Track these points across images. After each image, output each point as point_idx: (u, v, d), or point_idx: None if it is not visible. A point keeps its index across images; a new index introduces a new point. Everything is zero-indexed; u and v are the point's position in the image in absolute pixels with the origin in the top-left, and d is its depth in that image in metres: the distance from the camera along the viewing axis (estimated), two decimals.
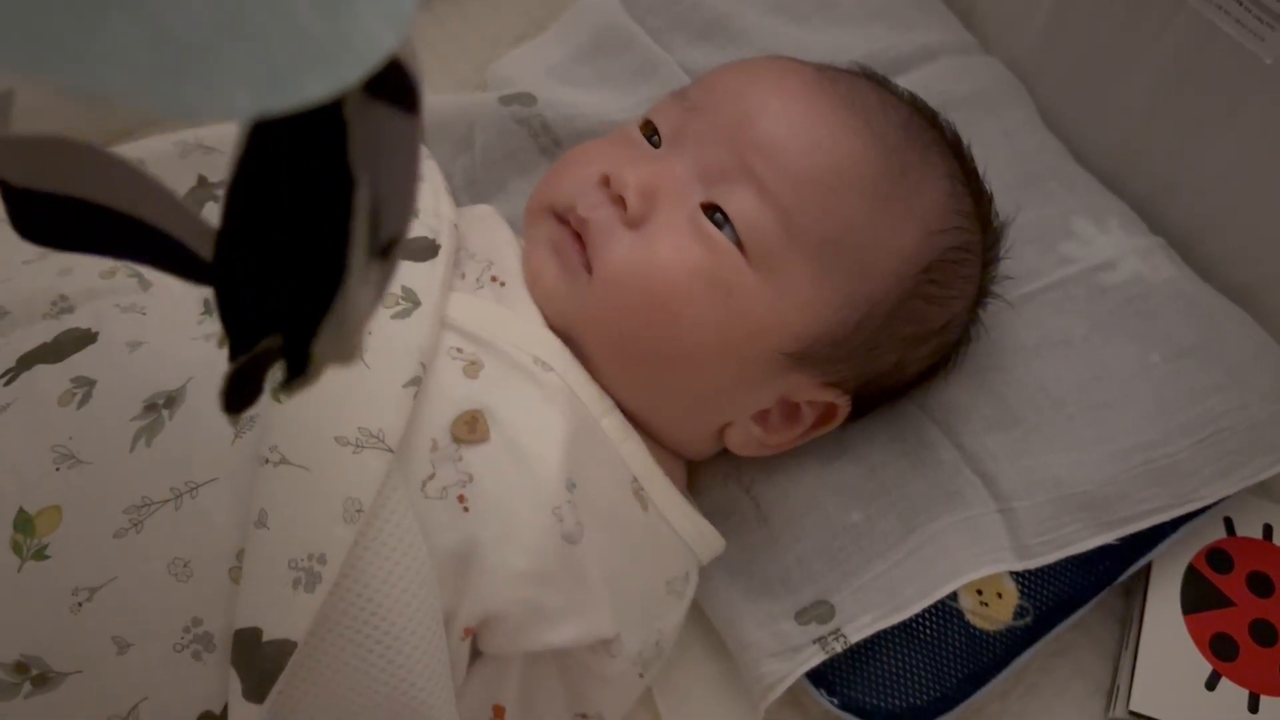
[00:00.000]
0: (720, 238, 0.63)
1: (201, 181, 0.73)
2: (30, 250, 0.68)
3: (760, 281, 0.63)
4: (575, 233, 0.66)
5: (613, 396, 0.66)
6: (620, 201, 0.64)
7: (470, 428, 0.60)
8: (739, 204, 0.63)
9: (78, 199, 0.38)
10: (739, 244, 0.63)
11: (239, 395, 0.38)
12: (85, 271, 0.66)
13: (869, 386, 0.69)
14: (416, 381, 0.59)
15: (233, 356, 0.38)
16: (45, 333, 0.61)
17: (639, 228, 0.64)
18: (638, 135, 0.69)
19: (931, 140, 0.69)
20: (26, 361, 0.59)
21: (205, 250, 0.37)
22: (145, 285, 0.67)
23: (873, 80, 0.71)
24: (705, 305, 0.63)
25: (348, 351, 0.36)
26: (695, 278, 0.63)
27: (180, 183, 0.74)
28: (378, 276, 0.35)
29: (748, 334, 0.64)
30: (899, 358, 0.69)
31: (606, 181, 0.65)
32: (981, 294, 0.72)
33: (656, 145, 0.68)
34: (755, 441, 0.69)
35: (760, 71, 0.69)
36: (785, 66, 0.69)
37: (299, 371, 0.36)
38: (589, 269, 0.65)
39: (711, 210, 0.64)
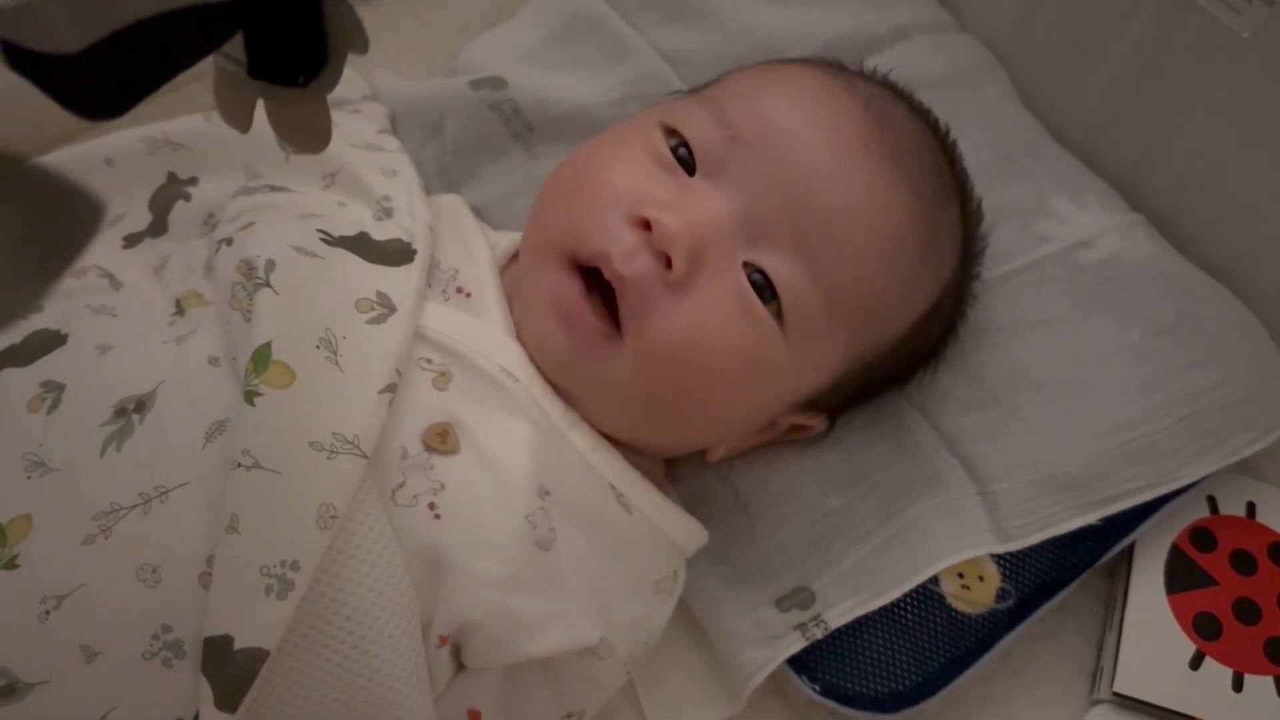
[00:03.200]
0: (763, 313, 0.60)
1: (171, 178, 0.73)
2: None
3: (792, 355, 0.62)
4: (593, 290, 0.61)
5: (597, 428, 0.64)
6: (662, 256, 0.59)
7: (442, 438, 0.59)
8: (787, 275, 0.60)
9: (118, 32, 0.37)
10: (779, 315, 0.61)
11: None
12: None
13: (848, 401, 0.71)
14: (391, 388, 0.58)
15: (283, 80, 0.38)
16: (14, 332, 0.60)
17: (681, 289, 0.59)
18: (665, 152, 0.63)
19: (948, 174, 0.68)
20: None
21: None
22: (116, 285, 0.66)
23: (902, 100, 0.69)
24: (740, 381, 0.62)
25: None
26: (736, 355, 0.60)
27: (149, 180, 0.73)
28: None
29: (769, 399, 0.65)
30: (885, 381, 0.70)
31: (643, 224, 0.59)
32: (961, 305, 0.73)
33: (686, 164, 0.63)
34: (732, 451, 0.71)
35: (812, 107, 0.63)
36: (836, 106, 0.64)
37: None
38: (613, 331, 0.60)
39: (752, 269, 0.61)
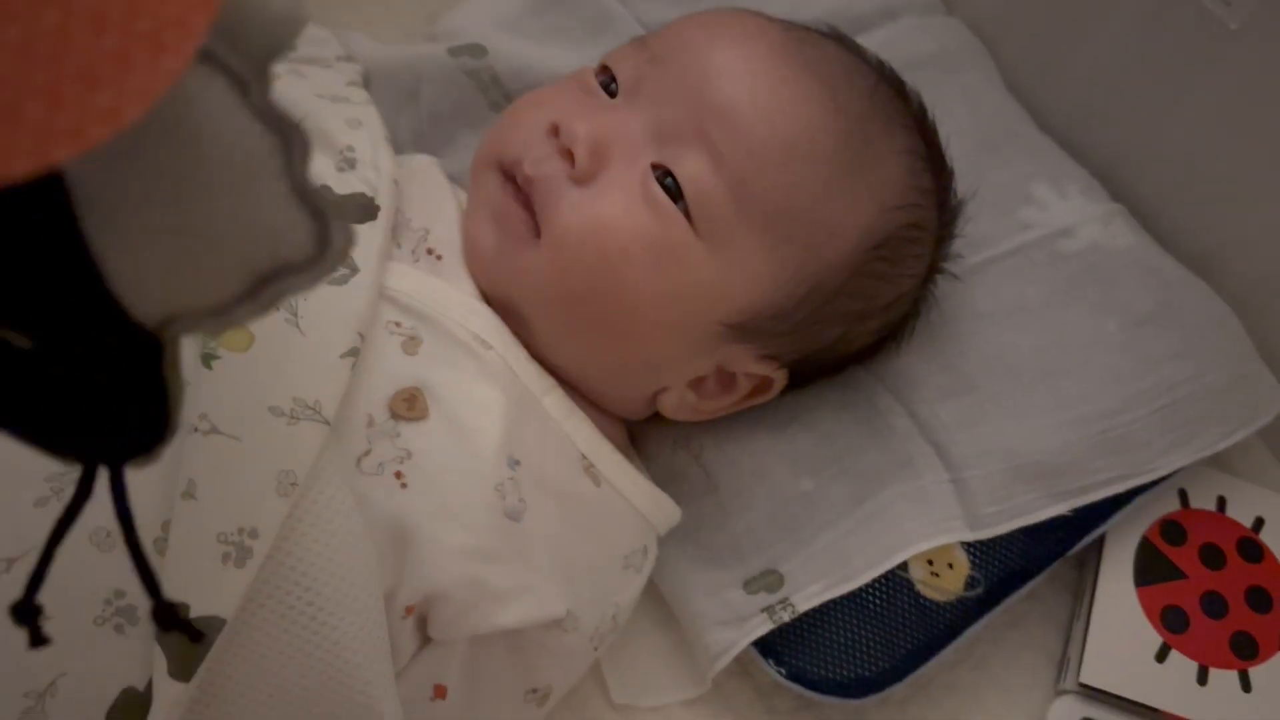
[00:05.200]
0: (668, 205, 0.61)
1: None
2: None
3: (707, 252, 0.61)
4: (520, 192, 0.63)
5: (550, 363, 0.64)
6: (569, 155, 0.61)
7: (409, 405, 0.58)
8: (690, 170, 0.61)
9: None
10: (687, 213, 0.61)
11: None
12: None
13: (808, 360, 0.68)
14: (354, 352, 0.57)
15: None
16: None
17: (587, 184, 0.61)
18: (593, 82, 0.66)
19: (896, 111, 0.67)
20: None
21: None
22: None
23: (841, 44, 0.69)
24: (649, 272, 0.61)
25: None
26: (641, 243, 0.61)
27: None
28: None
29: (690, 304, 0.62)
30: (842, 333, 0.67)
31: (556, 131, 0.62)
32: (932, 271, 0.71)
33: (613, 94, 0.65)
34: (689, 407, 0.68)
35: (726, 28, 0.66)
36: (752, 25, 0.66)
37: None
38: (536, 232, 0.62)
39: (662, 173, 0.61)
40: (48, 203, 0.29)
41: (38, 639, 0.37)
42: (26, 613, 0.37)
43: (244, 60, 0.29)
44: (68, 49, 0.24)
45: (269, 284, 0.31)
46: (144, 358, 0.32)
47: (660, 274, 0.61)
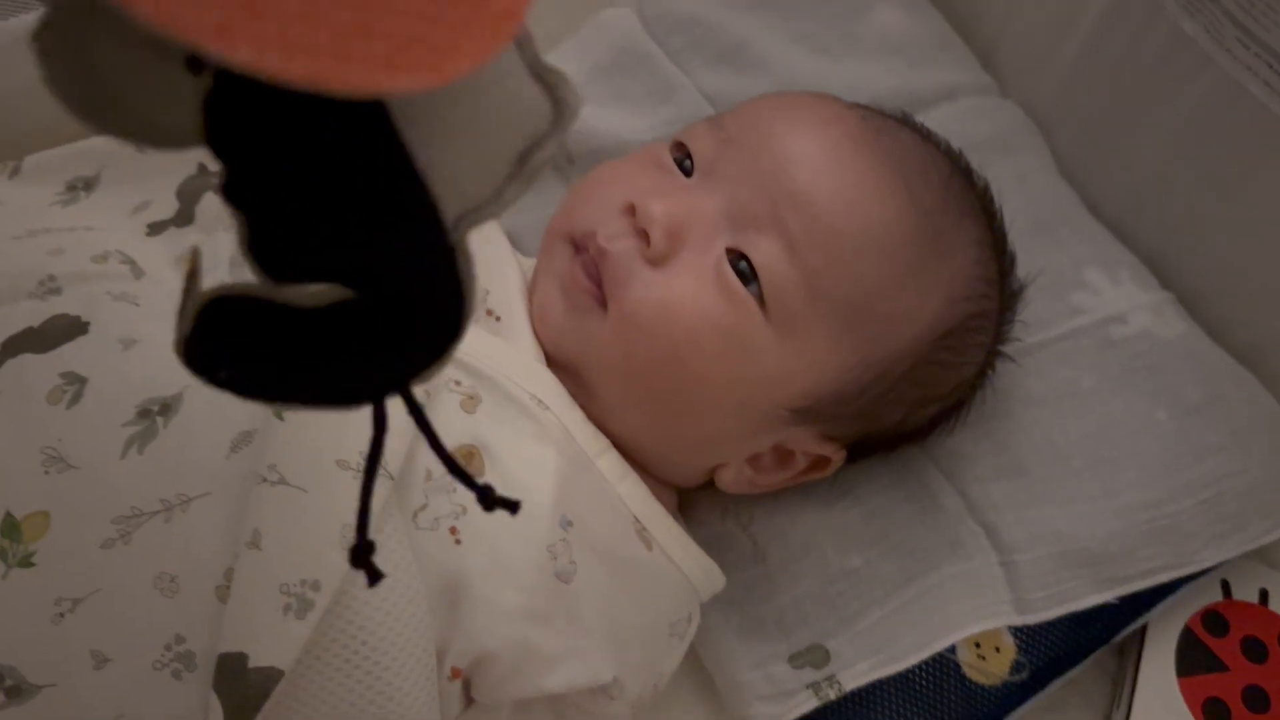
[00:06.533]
0: (742, 292, 0.61)
1: (201, 169, 0.71)
2: (20, 227, 0.66)
3: (776, 339, 0.62)
4: (590, 265, 0.63)
5: (608, 430, 0.65)
6: (644, 235, 0.62)
7: (466, 462, 0.58)
8: (765, 256, 0.61)
9: None
10: (760, 298, 0.61)
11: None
12: (76, 253, 0.64)
13: (865, 440, 0.69)
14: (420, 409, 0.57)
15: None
16: (31, 315, 0.59)
17: (661, 266, 0.62)
18: (668, 159, 0.67)
19: (967, 201, 0.68)
20: (12, 347, 0.57)
21: None
22: (138, 274, 0.65)
23: (915, 131, 0.70)
24: (717, 356, 0.61)
25: None
26: (712, 329, 0.61)
27: (178, 168, 0.71)
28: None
29: (755, 387, 0.63)
30: (902, 417, 0.68)
31: (631, 210, 0.63)
32: (991, 356, 0.71)
33: (687, 172, 0.66)
34: (745, 481, 0.69)
35: (804, 113, 0.66)
36: (829, 111, 0.67)
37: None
38: (603, 304, 0.63)
39: (736, 257, 0.62)
40: (379, 128, 0.31)
41: (375, 576, 0.39)
42: (363, 553, 0.39)
43: None
44: None
45: (527, 159, 0.34)
46: (448, 264, 0.34)
47: (728, 359, 0.61)
